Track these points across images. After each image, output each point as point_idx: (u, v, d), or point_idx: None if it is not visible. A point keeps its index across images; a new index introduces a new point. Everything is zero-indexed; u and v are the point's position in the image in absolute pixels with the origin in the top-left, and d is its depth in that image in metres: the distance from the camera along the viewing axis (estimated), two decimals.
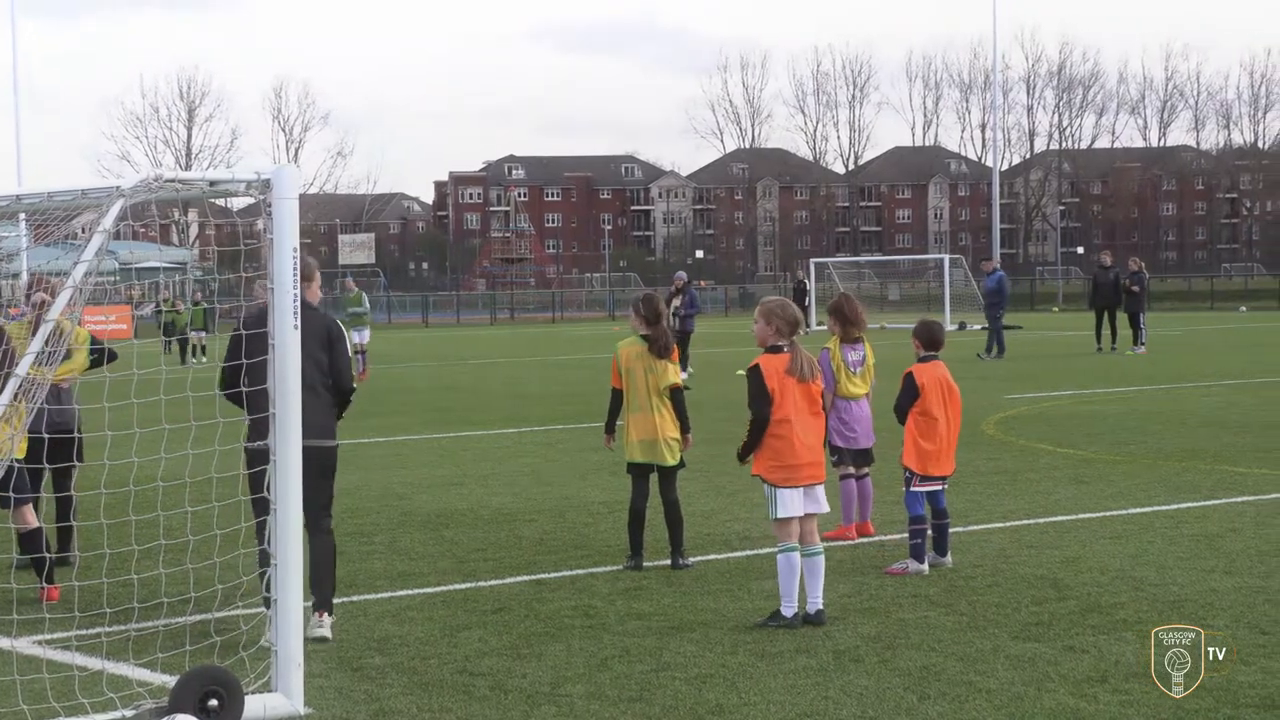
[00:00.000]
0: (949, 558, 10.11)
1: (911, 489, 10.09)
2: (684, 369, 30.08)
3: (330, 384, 8.51)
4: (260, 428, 7.51)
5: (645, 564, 10.31)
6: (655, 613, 8.94)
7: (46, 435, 9.07)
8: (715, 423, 20.19)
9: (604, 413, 10.65)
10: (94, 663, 7.44)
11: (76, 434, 9.89)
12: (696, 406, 22.96)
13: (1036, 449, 16.61)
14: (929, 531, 10.07)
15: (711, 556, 10.71)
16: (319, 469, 8.13)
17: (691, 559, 10.41)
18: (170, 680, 6.87)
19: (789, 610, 8.52)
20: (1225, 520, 11.75)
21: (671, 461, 10.38)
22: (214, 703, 6.57)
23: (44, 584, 9.52)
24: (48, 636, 8.00)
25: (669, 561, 10.31)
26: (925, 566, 9.89)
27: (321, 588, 8.45)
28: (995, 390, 24.32)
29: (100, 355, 10.34)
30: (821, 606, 8.60)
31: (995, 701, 7.00)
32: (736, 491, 13.74)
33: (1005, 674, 7.45)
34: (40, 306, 9.31)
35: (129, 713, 6.73)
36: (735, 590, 9.55)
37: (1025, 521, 11.76)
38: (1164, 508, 12.42)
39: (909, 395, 10.10)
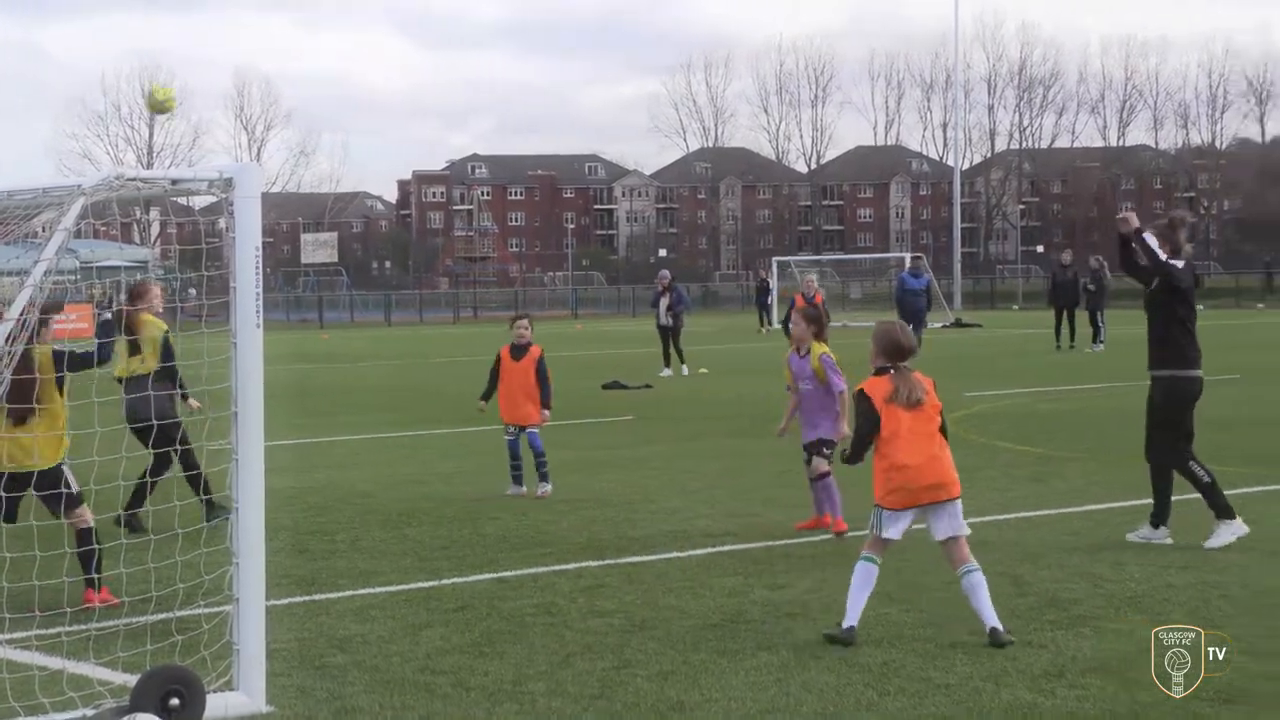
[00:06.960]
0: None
1: None
2: (682, 365, 29.96)
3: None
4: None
5: (606, 562, 10.42)
6: (617, 610, 8.98)
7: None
8: (679, 421, 20.25)
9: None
10: (54, 662, 7.41)
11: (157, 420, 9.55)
12: (662, 403, 23.07)
13: (996, 446, 16.71)
14: None
15: (674, 554, 10.75)
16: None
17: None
18: (131, 679, 6.86)
19: None
20: (1180, 516, 11.85)
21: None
22: (175, 701, 6.56)
23: None
24: (7, 636, 7.96)
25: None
26: None
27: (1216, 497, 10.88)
28: (955, 388, 24.41)
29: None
30: None
31: (954, 696, 7.06)
32: (699, 490, 13.79)
33: (964, 669, 7.52)
34: None
35: (90, 712, 6.71)
36: (697, 588, 9.59)
37: (984, 518, 11.84)
38: (1121, 504, 12.54)
39: None
